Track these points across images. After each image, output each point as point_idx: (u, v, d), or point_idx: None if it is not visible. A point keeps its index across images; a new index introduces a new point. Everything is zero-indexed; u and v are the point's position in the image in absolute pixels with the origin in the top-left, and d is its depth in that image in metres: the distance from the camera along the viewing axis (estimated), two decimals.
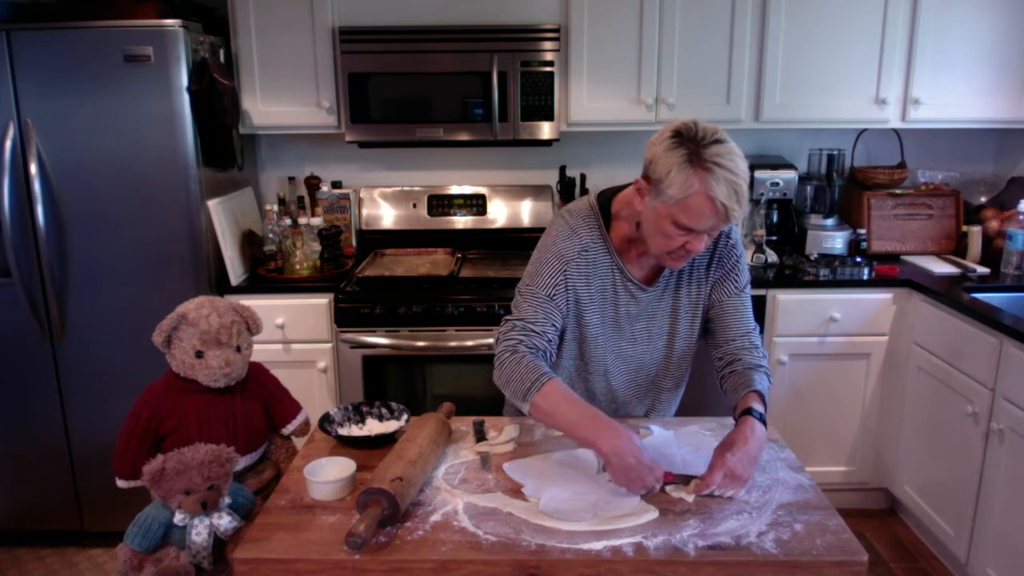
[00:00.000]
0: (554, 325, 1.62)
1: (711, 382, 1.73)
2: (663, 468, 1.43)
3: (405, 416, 1.69)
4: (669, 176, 1.45)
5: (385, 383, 2.79)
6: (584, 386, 1.75)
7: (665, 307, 1.71)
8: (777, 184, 3.00)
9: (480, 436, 1.65)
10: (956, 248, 3.10)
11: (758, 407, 1.52)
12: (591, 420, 1.46)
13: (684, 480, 1.45)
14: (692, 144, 1.44)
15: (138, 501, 1.57)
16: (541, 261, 1.65)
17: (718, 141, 1.45)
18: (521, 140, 2.89)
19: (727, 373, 1.65)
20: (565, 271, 1.62)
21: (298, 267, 2.83)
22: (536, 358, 1.56)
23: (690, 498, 1.41)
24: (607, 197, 1.68)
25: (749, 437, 1.45)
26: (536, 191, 3.22)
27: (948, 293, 2.60)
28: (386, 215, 3.23)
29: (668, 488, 1.44)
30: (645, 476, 1.39)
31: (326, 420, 1.67)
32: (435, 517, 1.35)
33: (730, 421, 1.70)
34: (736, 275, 1.69)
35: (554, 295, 1.62)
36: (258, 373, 1.80)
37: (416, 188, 3.25)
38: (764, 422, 1.51)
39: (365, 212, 3.22)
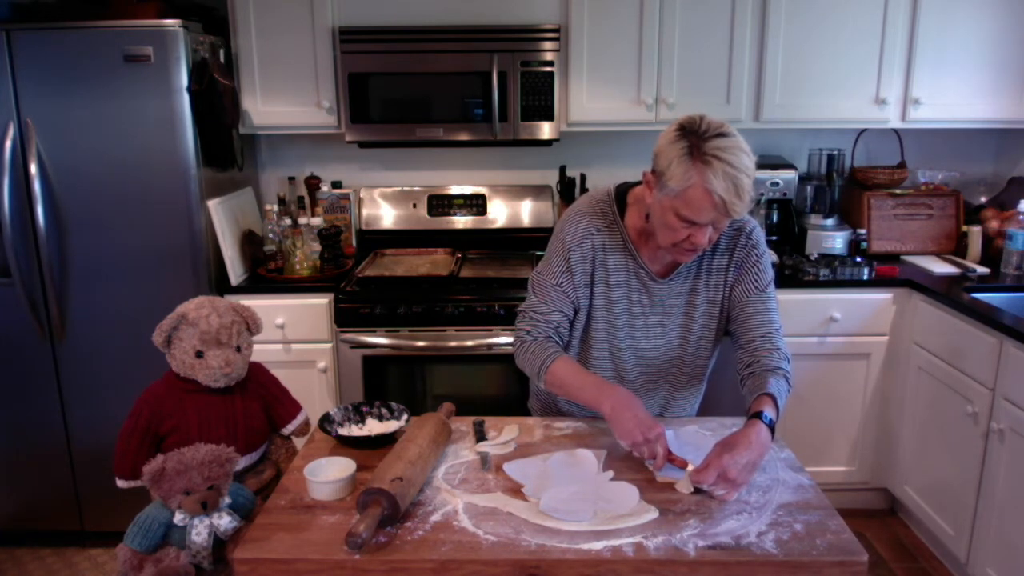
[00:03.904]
0: (559, 311, 1.69)
1: (726, 381, 1.72)
2: (663, 427, 1.48)
3: (405, 416, 1.69)
4: (670, 168, 1.47)
5: (385, 383, 2.79)
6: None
7: (680, 303, 1.71)
8: (777, 184, 3.00)
9: (480, 436, 1.65)
10: (956, 248, 3.10)
11: (769, 412, 1.48)
12: (595, 385, 1.58)
13: (684, 465, 1.47)
14: (694, 137, 1.45)
15: (138, 501, 1.57)
16: (550, 250, 1.73)
17: (721, 135, 1.46)
18: (521, 140, 2.89)
19: (746, 375, 1.63)
20: (568, 258, 1.68)
21: (298, 267, 2.83)
22: (541, 343, 1.67)
23: (683, 489, 1.42)
24: (625, 188, 1.71)
25: (752, 442, 1.42)
26: (536, 191, 3.22)
27: (948, 293, 2.60)
28: (386, 215, 3.23)
29: (658, 476, 1.45)
30: (645, 430, 1.45)
31: (326, 420, 1.67)
32: (435, 517, 1.35)
33: (731, 421, 1.71)
34: (756, 274, 1.67)
35: (560, 283, 1.68)
36: (258, 373, 1.80)
37: (416, 188, 3.25)
38: (772, 428, 1.48)
39: (365, 212, 3.22)
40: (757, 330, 1.65)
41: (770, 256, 1.77)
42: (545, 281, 1.70)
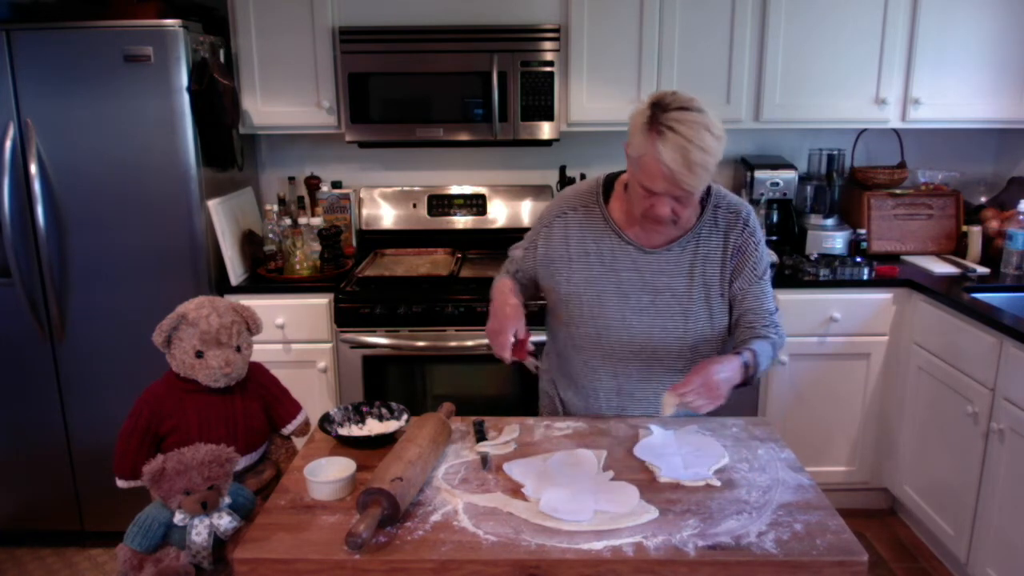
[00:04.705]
0: (521, 270, 1.86)
1: None
2: (521, 327, 1.66)
3: (405, 416, 1.69)
4: (633, 137, 1.54)
5: (385, 383, 2.79)
6: (582, 359, 1.78)
7: (677, 283, 1.71)
8: (777, 184, 3.00)
9: (480, 436, 1.65)
10: (956, 248, 3.10)
11: (746, 354, 1.57)
12: (499, 290, 1.78)
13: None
14: (657, 109, 1.50)
15: (138, 501, 1.57)
16: (533, 225, 1.88)
17: (683, 108, 1.49)
18: (521, 140, 2.89)
19: (739, 342, 1.68)
20: (539, 233, 1.80)
21: (298, 267, 2.83)
22: (504, 277, 1.86)
23: (667, 410, 1.48)
24: (614, 176, 1.77)
25: (728, 365, 1.53)
26: (536, 191, 3.22)
27: (948, 293, 2.60)
28: (386, 215, 3.23)
29: (659, 476, 1.46)
30: (497, 322, 1.68)
31: (326, 420, 1.67)
32: (435, 517, 1.35)
33: (731, 421, 1.71)
34: (755, 262, 1.70)
35: (526, 249, 1.85)
36: (258, 373, 1.80)
37: (416, 188, 3.25)
38: (746, 368, 1.56)
39: (365, 212, 3.22)
40: (757, 317, 1.69)
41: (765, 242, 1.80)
42: (519, 245, 1.89)
